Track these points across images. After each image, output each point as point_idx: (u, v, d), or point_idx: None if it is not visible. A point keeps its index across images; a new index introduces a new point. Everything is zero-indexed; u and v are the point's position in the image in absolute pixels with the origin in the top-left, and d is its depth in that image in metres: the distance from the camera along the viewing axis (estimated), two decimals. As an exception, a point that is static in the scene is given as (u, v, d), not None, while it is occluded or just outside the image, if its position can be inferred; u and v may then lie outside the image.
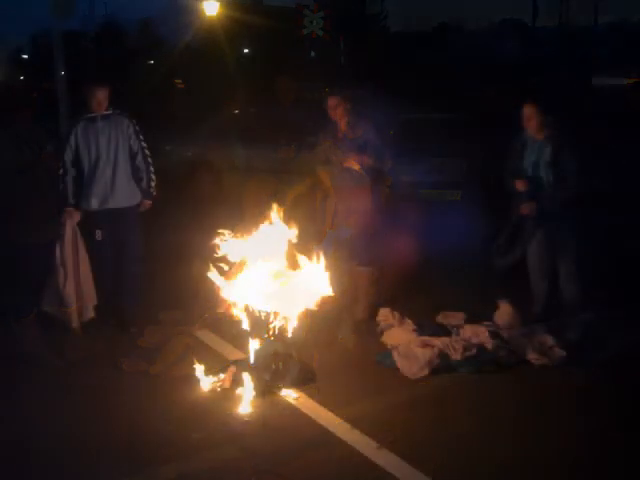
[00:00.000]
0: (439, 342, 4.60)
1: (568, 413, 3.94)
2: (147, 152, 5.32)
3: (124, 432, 3.76)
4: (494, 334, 4.68)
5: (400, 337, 4.79)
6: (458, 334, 4.74)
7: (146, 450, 3.58)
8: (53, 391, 4.28)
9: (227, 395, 4.15)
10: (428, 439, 3.65)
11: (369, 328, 5.16)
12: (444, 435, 3.69)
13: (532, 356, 4.55)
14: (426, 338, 4.69)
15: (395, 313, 5.10)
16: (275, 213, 4.44)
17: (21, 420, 3.92)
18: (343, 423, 3.79)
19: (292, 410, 3.99)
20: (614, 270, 6.02)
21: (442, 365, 4.45)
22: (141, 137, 5.28)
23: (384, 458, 3.44)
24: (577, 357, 4.52)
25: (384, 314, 5.15)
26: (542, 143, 4.77)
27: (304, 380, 4.29)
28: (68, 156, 5.15)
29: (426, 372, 4.39)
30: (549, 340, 4.63)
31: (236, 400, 4.06)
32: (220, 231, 4.44)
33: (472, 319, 5.02)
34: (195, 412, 3.97)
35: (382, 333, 4.98)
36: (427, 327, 4.95)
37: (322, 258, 4.34)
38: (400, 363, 4.45)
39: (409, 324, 4.97)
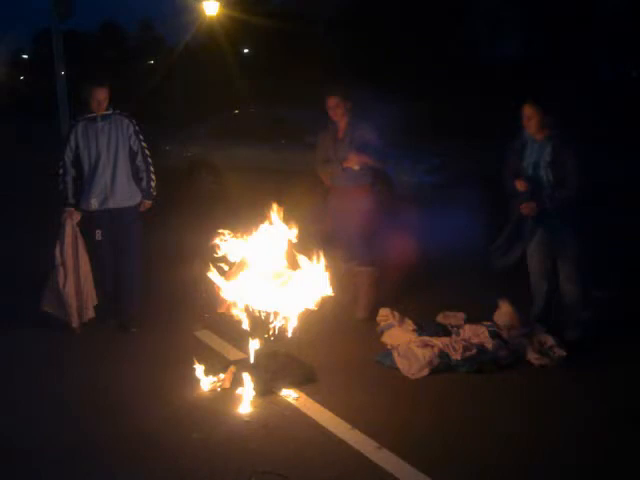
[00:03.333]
0: (439, 342, 4.60)
1: (568, 413, 3.94)
2: (147, 152, 5.31)
3: (124, 432, 3.76)
4: (494, 334, 4.67)
5: (400, 337, 4.78)
6: (458, 334, 4.74)
7: (146, 450, 3.58)
8: (52, 391, 4.29)
9: (227, 395, 4.14)
10: (428, 439, 3.64)
11: (369, 328, 5.16)
12: (444, 435, 3.68)
13: (532, 356, 4.54)
14: (426, 338, 4.68)
15: (395, 313, 5.10)
16: (275, 213, 4.43)
17: (22, 419, 3.92)
18: (343, 423, 3.78)
19: (292, 410, 3.98)
20: (614, 269, 6.04)
21: (442, 365, 4.44)
22: (141, 137, 5.28)
23: (384, 458, 3.43)
24: (577, 357, 4.51)
25: (384, 314, 5.15)
26: (542, 143, 4.76)
27: (304, 380, 4.29)
28: (68, 156, 5.15)
29: (426, 372, 4.39)
30: (549, 340, 4.62)
31: (236, 400, 4.05)
32: (220, 231, 4.44)
33: (472, 319, 5.02)
34: (195, 412, 3.97)
35: (382, 333, 4.98)
36: (427, 327, 4.95)
37: (322, 258, 4.33)
38: (400, 363, 4.44)
39: (409, 324, 4.97)
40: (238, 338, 4.65)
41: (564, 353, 4.52)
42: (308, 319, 4.43)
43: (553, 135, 4.73)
